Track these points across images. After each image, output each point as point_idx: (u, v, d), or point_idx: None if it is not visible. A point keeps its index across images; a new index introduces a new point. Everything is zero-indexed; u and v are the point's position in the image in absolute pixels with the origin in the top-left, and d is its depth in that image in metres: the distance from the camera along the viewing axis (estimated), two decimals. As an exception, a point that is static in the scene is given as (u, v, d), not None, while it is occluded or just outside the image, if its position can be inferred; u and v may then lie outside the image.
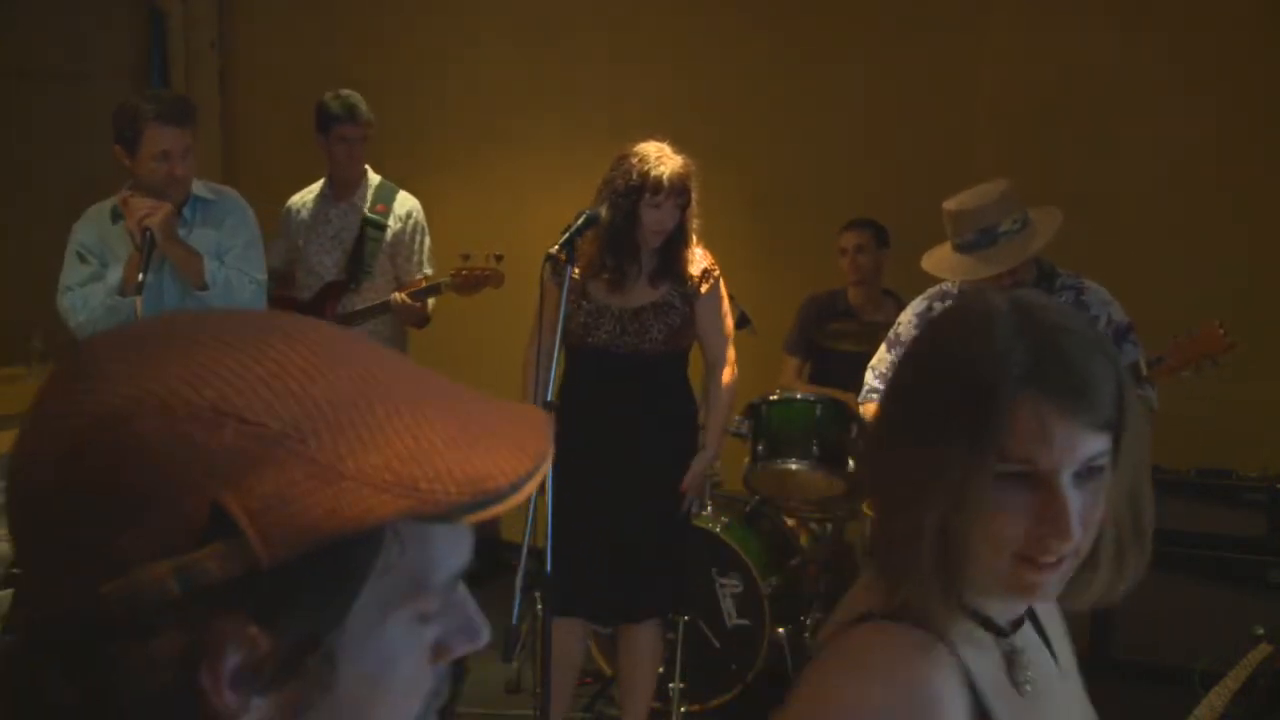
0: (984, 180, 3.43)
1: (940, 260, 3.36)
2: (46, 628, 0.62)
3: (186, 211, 3.69)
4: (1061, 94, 5.07)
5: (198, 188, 3.74)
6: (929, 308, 3.48)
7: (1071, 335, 1.13)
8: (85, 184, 4.37)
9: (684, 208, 3.53)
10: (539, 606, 3.37)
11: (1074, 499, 1.11)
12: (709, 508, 4.17)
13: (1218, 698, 2.90)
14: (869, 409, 3.54)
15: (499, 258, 4.10)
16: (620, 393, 3.61)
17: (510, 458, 0.65)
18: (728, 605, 4.20)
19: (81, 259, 3.69)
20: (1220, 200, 4.88)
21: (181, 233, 3.64)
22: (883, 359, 3.53)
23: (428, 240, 4.47)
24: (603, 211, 3.51)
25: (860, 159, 5.28)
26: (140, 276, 3.48)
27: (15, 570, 4.27)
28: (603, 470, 3.58)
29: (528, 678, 4.22)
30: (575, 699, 4.07)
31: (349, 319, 4.34)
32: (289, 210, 4.55)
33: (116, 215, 3.66)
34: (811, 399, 4.34)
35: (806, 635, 4.32)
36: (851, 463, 4.25)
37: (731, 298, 3.76)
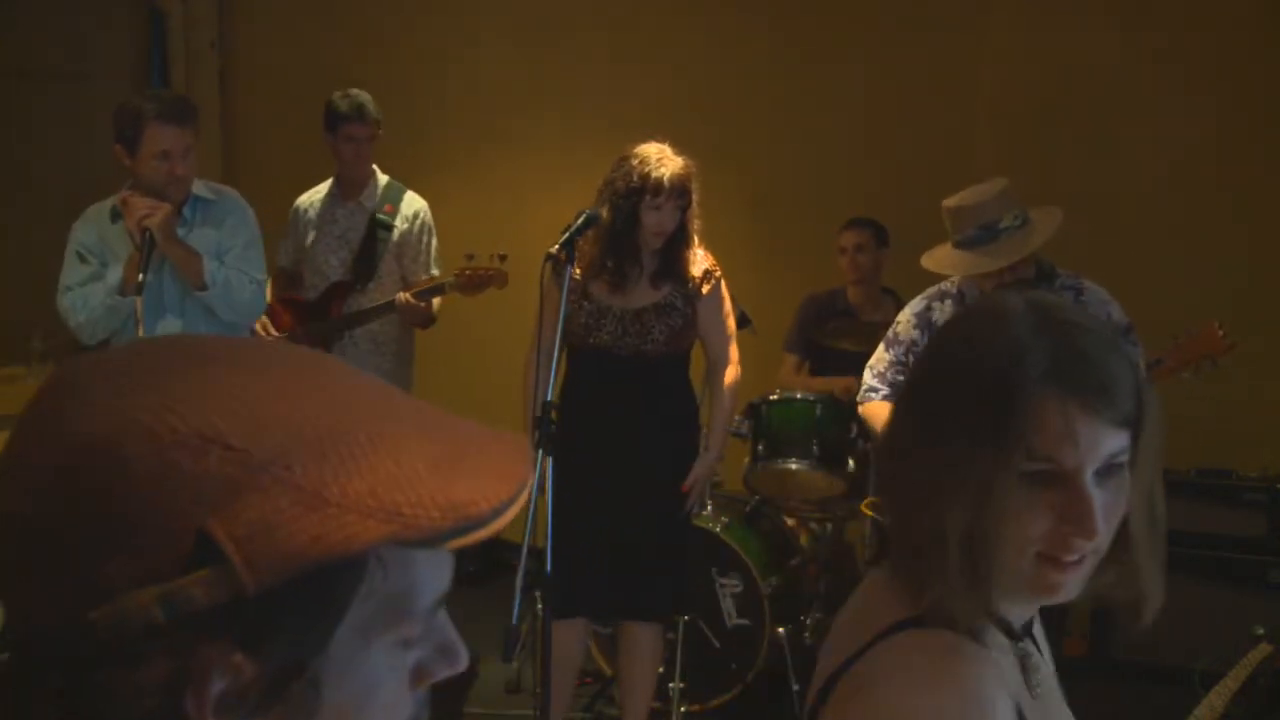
0: (983, 180, 3.43)
1: (941, 258, 3.36)
2: (31, 653, 0.61)
3: (187, 211, 3.69)
4: (1061, 94, 5.07)
5: (198, 188, 3.74)
6: (927, 307, 3.48)
7: (1089, 333, 1.13)
8: (85, 184, 4.37)
9: (685, 209, 3.53)
10: (539, 606, 3.37)
11: (1097, 496, 1.11)
12: (709, 508, 4.17)
13: (1218, 698, 2.90)
14: (868, 408, 3.54)
15: (503, 258, 4.10)
16: (621, 394, 3.61)
17: (492, 483, 0.65)
18: (728, 605, 4.20)
19: (81, 259, 3.69)
20: (1220, 200, 4.88)
21: (181, 232, 3.64)
22: (881, 358, 3.54)
23: (435, 241, 4.45)
24: (603, 213, 3.51)
25: (860, 159, 5.27)
26: (140, 276, 3.48)
27: None
28: (603, 470, 3.58)
29: (528, 678, 4.22)
30: (575, 699, 4.07)
31: (354, 319, 4.34)
32: (297, 210, 4.55)
33: (116, 215, 3.66)
34: (812, 399, 4.34)
35: (806, 635, 4.32)
36: (852, 463, 4.25)
37: (732, 298, 3.76)
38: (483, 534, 0.63)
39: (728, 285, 3.70)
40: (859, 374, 3.64)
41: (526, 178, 5.67)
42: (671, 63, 5.51)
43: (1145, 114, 4.96)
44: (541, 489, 3.21)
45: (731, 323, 3.73)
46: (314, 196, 4.53)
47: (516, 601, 3.03)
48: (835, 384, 4.52)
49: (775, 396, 4.37)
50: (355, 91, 4.35)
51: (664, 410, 3.66)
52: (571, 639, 3.66)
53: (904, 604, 1.19)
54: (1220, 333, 3.19)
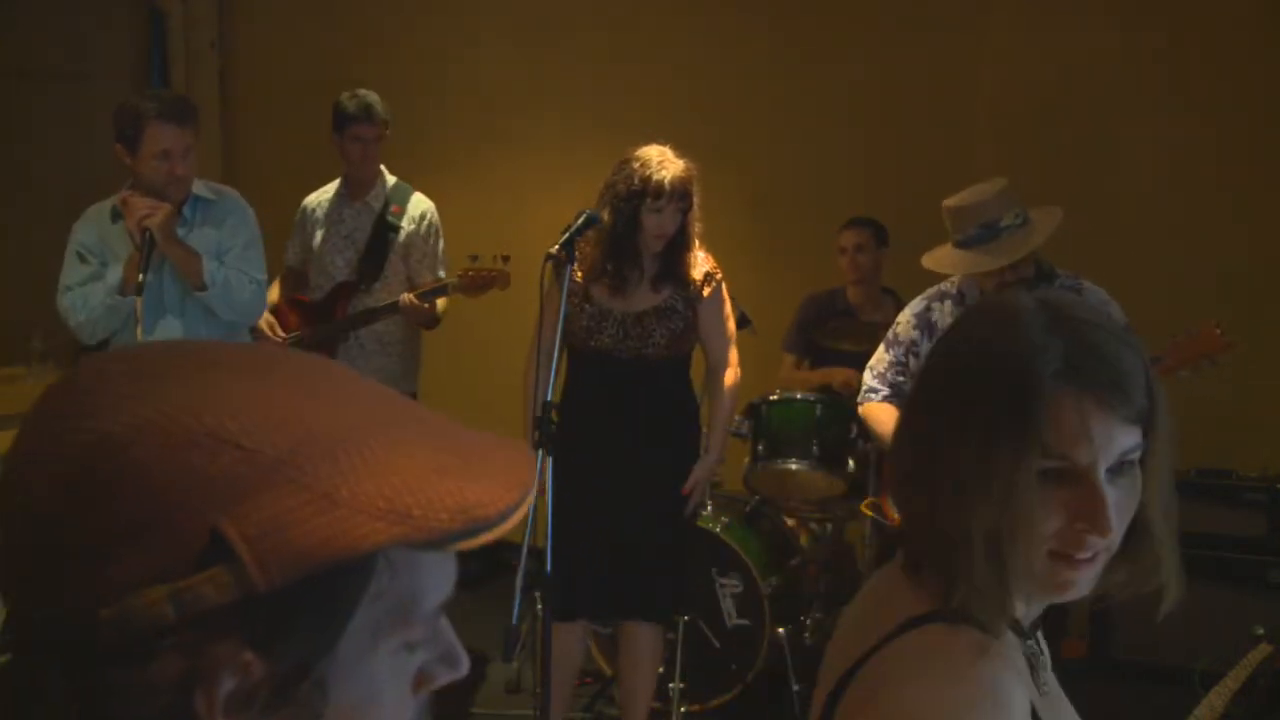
0: (983, 180, 3.43)
1: (942, 258, 3.36)
2: (41, 651, 0.62)
3: (187, 211, 3.69)
4: (1061, 94, 5.07)
5: (198, 188, 3.74)
6: (927, 308, 3.48)
7: (1101, 330, 1.14)
8: (85, 184, 4.37)
9: (686, 212, 3.53)
10: (539, 606, 3.37)
11: (1110, 493, 1.11)
12: (709, 508, 4.18)
13: (1218, 698, 2.89)
14: (868, 409, 3.54)
15: (506, 259, 4.09)
16: (622, 396, 3.61)
17: (498, 488, 0.65)
18: (728, 605, 4.20)
19: (81, 259, 3.69)
20: (1220, 200, 4.88)
21: (181, 232, 3.64)
22: (881, 359, 3.53)
23: (441, 242, 4.44)
24: (604, 215, 3.51)
25: (860, 159, 5.28)
26: (140, 276, 3.49)
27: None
28: (603, 471, 3.58)
29: (528, 678, 4.23)
30: (575, 699, 4.08)
31: (359, 319, 4.33)
32: (304, 209, 4.54)
33: (116, 215, 3.66)
34: (812, 399, 4.34)
35: (806, 635, 4.32)
36: (851, 463, 4.25)
37: (731, 298, 3.76)
38: (488, 537, 0.64)
39: (728, 286, 3.70)
40: (859, 373, 3.64)
41: (526, 178, 5.67)
42: (671, 63, 5.51)
43: (1145, 114, 4.96)
44: (541, 489, 3.21)
45: (732, 325, 3.73)
46: (322, 196, 4.52)
47: (516, 601, 3.03)
48: (834, 375, 4.52)
49: (775, 397, 4.37)
50: (363, 92, 4.34)
51: (665, 412, 3.66)
52: (571, 639, 3.66)
53: (920, 600, 1.19)
54: (1218, 331, 3.19)
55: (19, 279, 4.96)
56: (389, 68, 5.50)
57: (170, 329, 3.70)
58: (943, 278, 3.47)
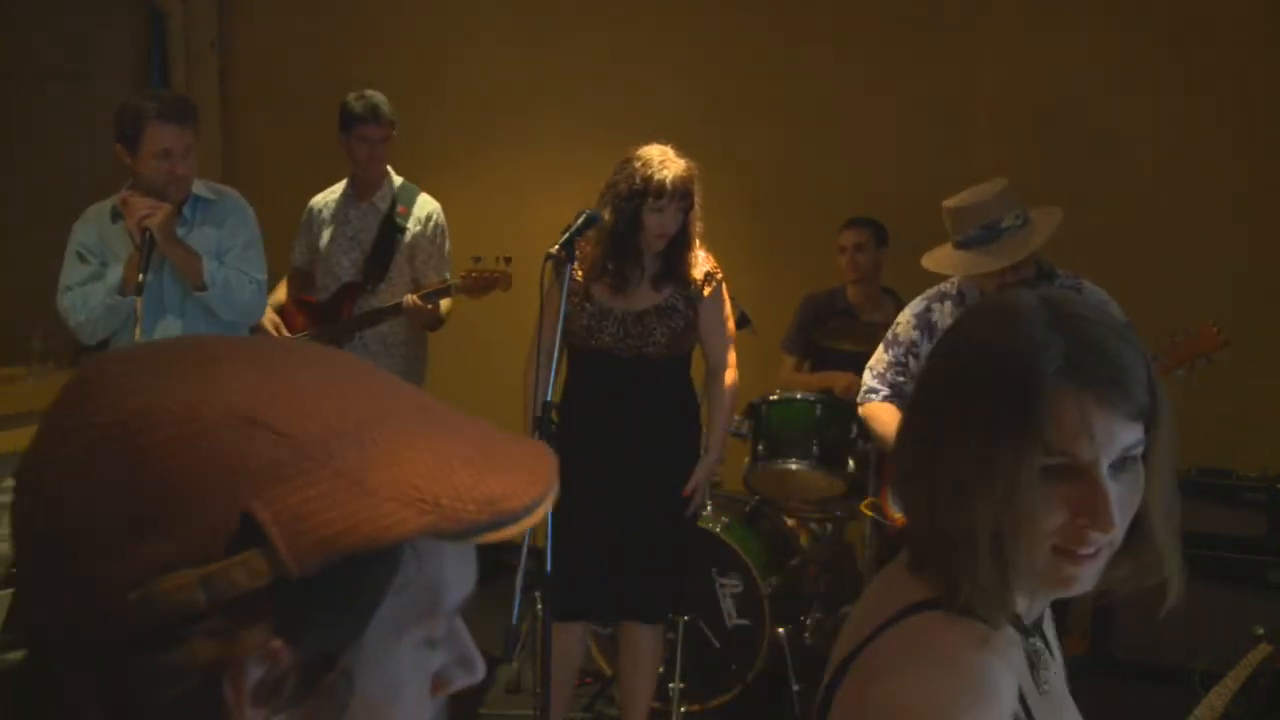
0: (984, 180, 3.43)
1: (942, 258, 3.36)
2: (68, 637, 0.61)
3: (187, 211, 3.69)
4: (1061, 94, 5.07)
5: (198, 187, 3.74)
6: (927, 308, 3.48)
7: (1102, 327, 1.14)
8: (85, 184, 4.37)
9: (687, 211, 3.53)
10: (539, 606, 3.37)
11: (1112, 489, 1.12)
12: (709, 508, 4.18)
13: (1218, 698, 2.90)
14: (868, 409, 3.54)
15: (508, 260, 4.09)
16: (623, 395, 3.61)
17: (523, 482, 0.65)
18: (728, 605, 4.20)
19: (81, 259, 3.69)
20: (1220, 200, 4.88)
21: (181, 232, 3.64)
22: (881, 359, 3.53)
23: (448, 244, 4.43)
24: (605, 214, 3.51)
25: (860, 159, 5.28)
26: (140, 276, 3.48)
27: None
28: (603, 471, 3.58)
29: (528, 678, 4.23)
30: (575, 699, 4.07)
31: (364, 320, 4.32)
32: (311, 210, 4.53)
33: (116, 215, 3.66)
34: (812, 399, 4.34)
35: (806, 635, 4.32)
36: (851, 463, 4.25)
37: (731, 298, 3.77)
38: (513, 530, 0.64)
39: (728, 286, 3.70)
40: (858, 373, 3.64)
41: (526, 178, 5.67)
42: (671, 63, 5.51)
43: (1145, 114, 4.96)
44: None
45: (731, 326, 3.73)
46: (328, 197, 4.51)
47: (516, 601, 3.03)
48: (835, 380, 4.52)
49: (775, 397, 4.37)
50: (370, 93, 4.33)
51: (665, 412, 3.66)
52: (571, 639, 3.66)
53: (919, 589, 1.20)
54: (1215, 330, 3.19)
55: (19, 279, 4.96)
56: (389, 68, 5.50)
57: (170, 329, 3.70)
58: (942, 277, 3.47)
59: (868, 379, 3.55)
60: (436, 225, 4.41)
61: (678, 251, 3.57)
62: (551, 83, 5.68)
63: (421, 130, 5.52)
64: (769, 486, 4.41)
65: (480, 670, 0.71)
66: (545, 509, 0.65)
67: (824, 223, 4.91)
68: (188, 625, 0.58)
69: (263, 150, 6.00)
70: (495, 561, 4.58)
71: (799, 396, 4.38)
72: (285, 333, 4.38)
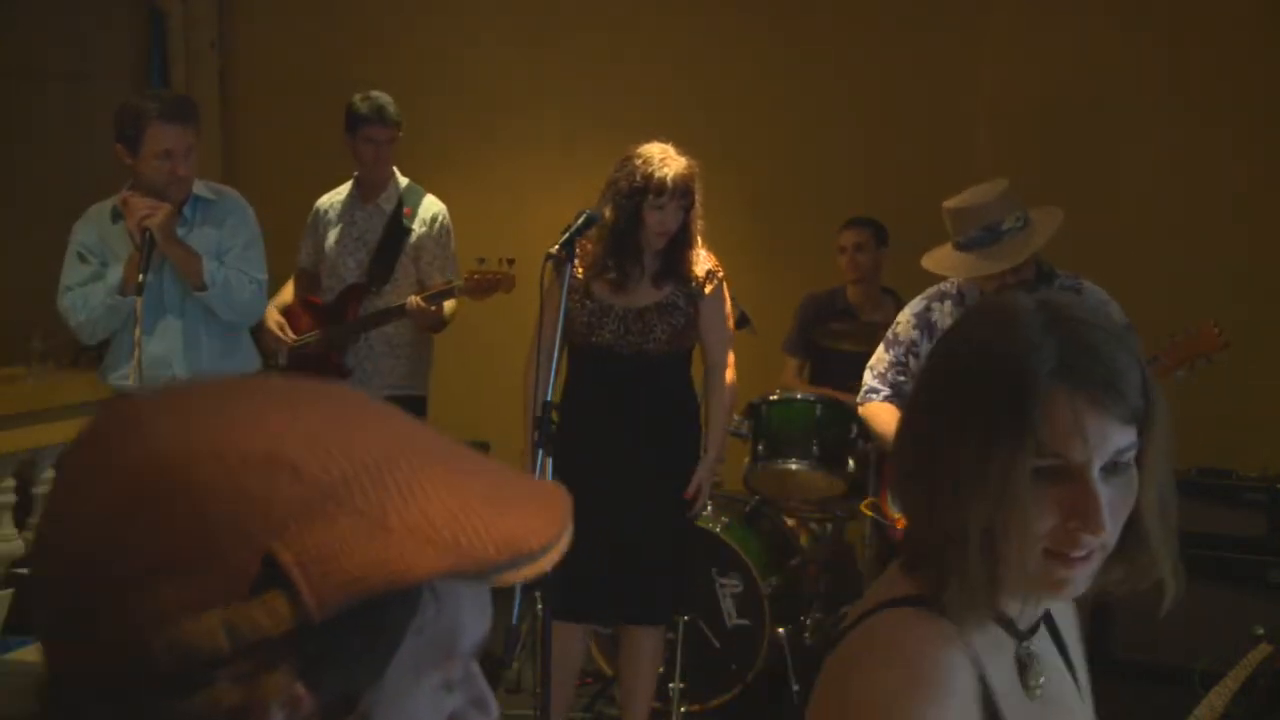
0: (984, 180, 3.43)
1: (942, 259, 3.35)
2: (91, 679, 0.60)
3: (187, 211, 3.69)
4: (1061, 94, 5.07)
5: (199, 188, 3.74)
6: (927, 308, 3.47)
7: (1097, 330, 1.15)
8: (85, 184, 4.37)
9: (688, 209, 3.53)
10: (539, 606, 3.37)
11: (1104, 492, 1.12)
12: (709, 508, 4.17)
13: (1218, 698, 2.90)
14: (868, 409, 3.54)
15: (511, 262, 4.08)
16: (623, 393, 3.61)
17: (539, 521, 0.66)
18: (728, 605, 4.20)
19: (82, 259, 3.69)
20: (1220, 200, 4.88)
21: (182, 232, 3.64)
22: (881, 359, 3.53)
23: (453, 245, 4.42)
24: (606, 212, 3.51)
25: (860, 159, 5.28)
26: (140, 277, 3.48)
27: (20, 570, 4.27)
28: (604, 470, 3.58)
29: (528, 678, 4.22)
30: (575, 699, 4.07)
31: (368, 321, 4.31)
32: (317, 211, 4.52)
33: (117, 215, 3.66)
34: (812, 399, 4.34)
35: (806, 635, 4.32)
36: (851, 463, 4.25)
37: (731, 298, 3.77)
38: (531, 570, 0.64)
39: (728, 286, 3.70)
40: (858, 374, 3.64)
41: (526, 178, 5.67)
42: (671, 63, 5.51)
43: (1145, 114, 4.96)
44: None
45: (731, 325, 3.74)
46: (334, 198, 4.50)
47: (516, 601, 3.03)
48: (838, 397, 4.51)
49: (775, 396, 4.37)
50: (375, 93, 4.31)
51: (665, 411, 3.66)
52: (572, 640, 3.65)
53: (903, 587, 1.21)
54: (1216, 331, 3.19)
55: (19, 279, 4.96)
56: (389, 68, 5.50)
57: (170, 329, 3.70)
58: (943, 277, 3.47)
59: (868, 379, 3.55)
60: (442, 226, 4.40)
61: (679, 249, 3.58)
62: (551, 83, 5.68)
63: (421, 130, 5.51)
64: (769, 486, 4.41)
65: (494, 713, 0.71)
66: (562, 548, 0.66)
67: (824, 223, 4.91)
68: (211, 670, 0.58)
69: (263, 150, 6.00)
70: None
71: (799, 396, 4.38)
72: (290, 334, 4.36)
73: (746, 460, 4.35)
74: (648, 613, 3.69)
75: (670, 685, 3.98)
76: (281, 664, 0.59)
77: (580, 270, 3.58)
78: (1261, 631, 3.13)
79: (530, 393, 3.45)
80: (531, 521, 0.65)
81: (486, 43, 5.78)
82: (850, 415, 4.11)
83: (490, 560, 0.62)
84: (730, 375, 3.71)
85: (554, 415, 3.22)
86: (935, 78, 5.24)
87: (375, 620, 0.61)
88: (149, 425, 0.62)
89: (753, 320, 4.31)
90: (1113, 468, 1.13)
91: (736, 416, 4.12)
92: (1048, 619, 1.31)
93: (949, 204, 3.35)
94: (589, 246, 3.57)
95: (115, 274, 3.62)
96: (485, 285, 4.11)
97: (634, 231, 3.52)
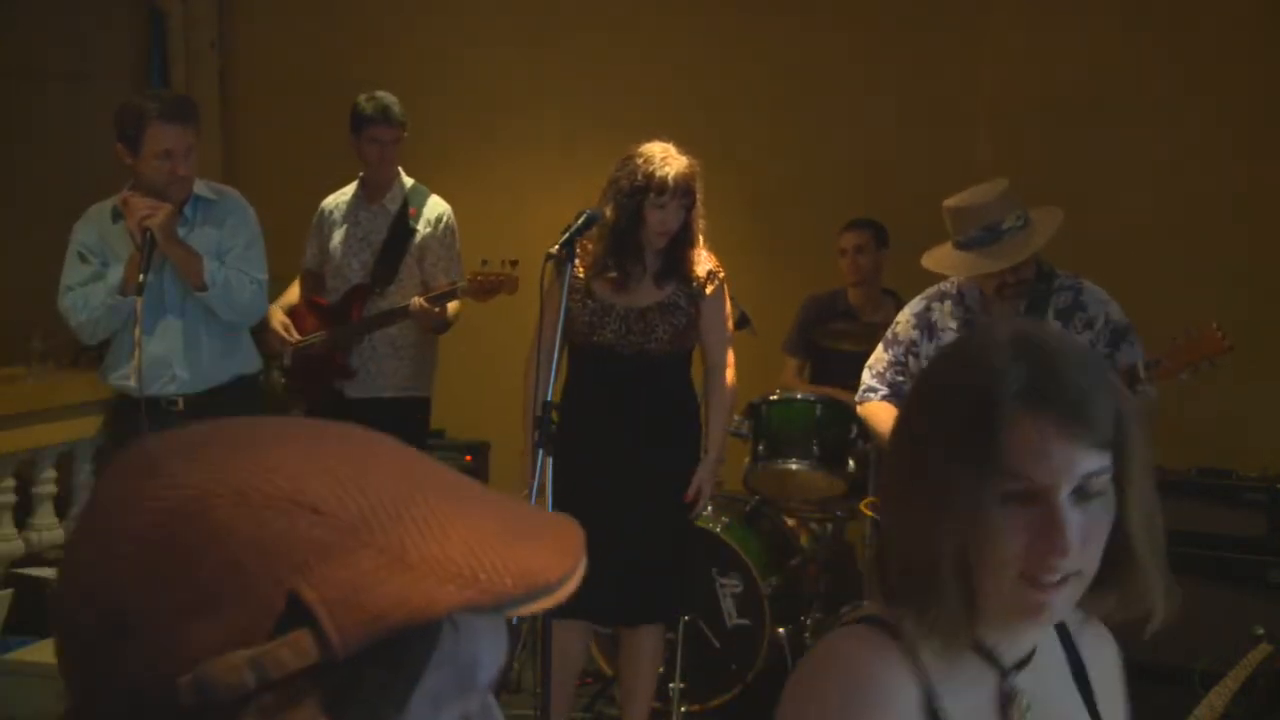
0: (984, 180, 3.43)
1: (942, 258, 3.35)
2: (115, 716, 0.61)
3: (188, 211, 3.69)
4: (1061, 94, 5.07)
5: (199, 188, 3.74)
6: (927, 308, 3.48)
7: (1069, 359, 1.16)
8: (85, 184, 4.37)
9: (689, 208, 3.53)
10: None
11: (1073, 517, 1.13)
12: (709, 508, 4.18)
13: (1218, 698, 2.90)
14: (867, 408, 3.54)
15: (514, 263, 4.08)
16: (624, 393, 3.61)
17: (554, 554, 0.66)
18: (728, 605, 4.20)
19: (82, 259, 3.69)
20: (1220, 200, 4.88)
21: (182, 232, 3.64)
22: (880, 358, 3.53)
23: (458, 246, 4.41)
24: (607, 211, 3.51)
25: (860, 159, 5.28)
26: (141, 277, 3.49)
27: (21, 570, 4.27)
28: (604, 470, 3.58)
29: (528, 678, 4.22)
30: (575, 699, 4.07)
31: (372, 323, 4.31)
32: (322, 211, 4.51)
33: (117, 215, 3.67)
34: (812, 399, 4.34)
35: (806, 635, 4.32)
36: (852, 463, 4.25)
37: (731, 298, 3.77)
38: (548, 603, 0.64)
39: (728, 286, 3.71)
40: (859, 374, 3.64)
41: (526, 178, 5.67)
42: (671, 63, 5.51)
43: (1145, 114, 4.96)
44: (541, 489, 3.21)
45: (730, 325, 3.74)
46: (340, 198, 4.50)
47: (517, 601, 3.02)
48: (837, 396, 4.51)
49: (775, 396, 4.37)
50: (380, 94, 4.31)
51: (665, 411, 3.66)
52: (572, 639, 3.65)
53: (871, 607, 1.24)
54: (1219, 334, 3.17)
55: (19, 279, 4.96)
56: (389, 67, 5.50)
57: (171, 329, 3.70)
58: (943, 277, 3.47)
59: (867, 378, 3.55)
60: (447, 227, 4.39)
61: (680, 248, 3.58)
62: (551, 83, 5.68)
63: (421, 130, 5.51)
64: (769, 486, 4.41)
65: None
66: (577, 580, 0.66)
67: (824, 223, 4.91)
68: (236, 708, 0.59)
69: (263, 150, 5.99)
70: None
71: (799, 396, 4.38)
72: (295, 334, 4.35)
73: (746, 460, 4.35)
74: (648, 613, 3.69)
75: (670, 685, 3.98)
76: (306, 699, 0.59)
77: (581, 270, 3.58)
78: (1261, 631, 3.13)
79: (530, 393, 3.45)
80: (546, 555, 0.66)
81: (486, 43, 5.78)
82: (850, 415, 4.11)
83: (508, 594, 0.63)
84: (730, 376, 3.71)
85: (554, 415, 3.22)
86: (935, 78, 5.24)
87: (397, 655, 0.62)
88: (170, 468, 0.63)
89: (753, 320, 4.31)
90: (1084, 492, 1.14)
91: (737, 416, 4.12)
92: (1076, 665, 1.31)
93: (949, 203, 3.35)
94: (589, 246, 3.57)
95: (116, 274, 3.62)
96: (488, 287, 4.11)
97: (635, 231, 3.52)
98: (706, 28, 5.53)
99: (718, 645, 4.20)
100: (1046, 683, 1.28)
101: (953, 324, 3.40)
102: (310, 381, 4.38)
